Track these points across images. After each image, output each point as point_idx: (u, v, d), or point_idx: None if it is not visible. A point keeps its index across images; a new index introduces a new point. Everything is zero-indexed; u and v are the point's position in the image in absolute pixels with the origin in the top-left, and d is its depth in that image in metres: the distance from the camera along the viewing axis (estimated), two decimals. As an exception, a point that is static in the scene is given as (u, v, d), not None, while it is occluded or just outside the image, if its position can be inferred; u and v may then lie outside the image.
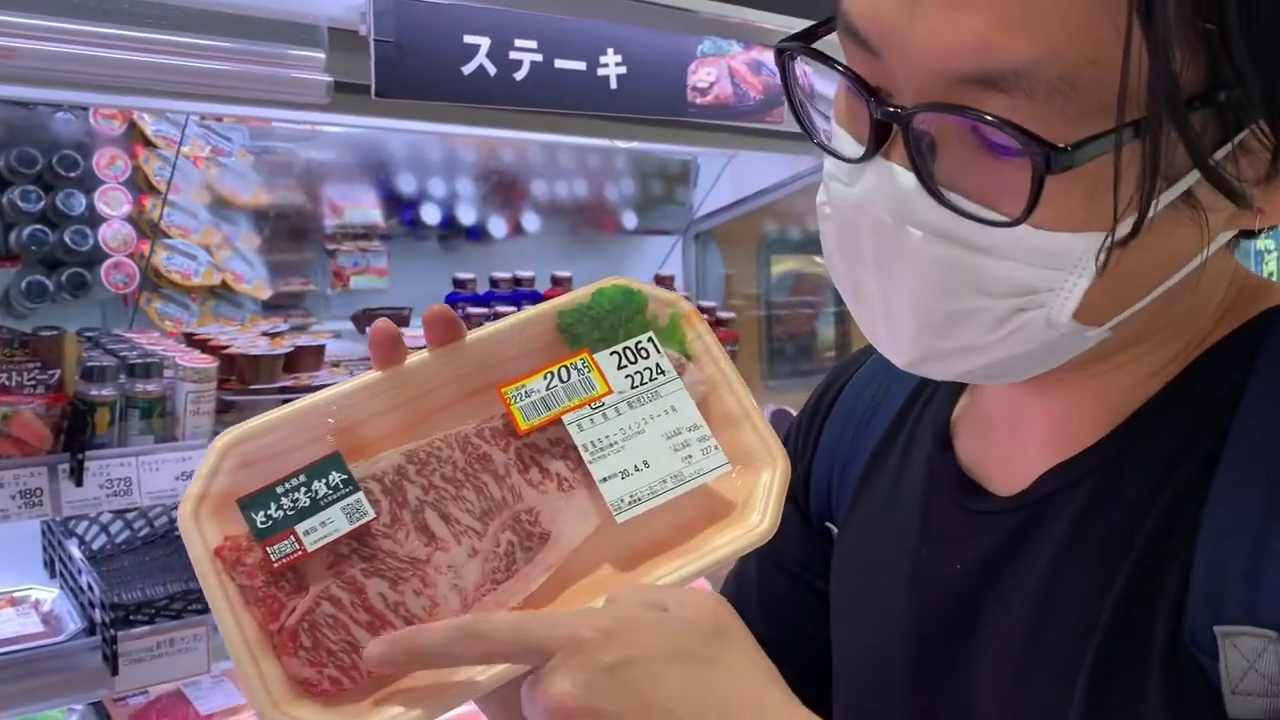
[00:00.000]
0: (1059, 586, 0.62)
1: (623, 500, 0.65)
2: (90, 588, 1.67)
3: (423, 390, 0.67)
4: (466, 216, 2.54)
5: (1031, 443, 0.66)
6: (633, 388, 0.68)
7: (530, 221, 2.65)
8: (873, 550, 0.76)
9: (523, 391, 0.67)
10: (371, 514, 0.62)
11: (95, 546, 1.89)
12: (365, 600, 0.62)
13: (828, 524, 0.84)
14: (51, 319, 1.95)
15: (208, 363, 1.70)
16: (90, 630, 1.66)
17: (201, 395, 1.67)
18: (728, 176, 2.81)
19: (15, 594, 1.87)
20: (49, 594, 1.86)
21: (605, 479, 0.65)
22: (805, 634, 0.84)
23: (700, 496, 0.69)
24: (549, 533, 0.66)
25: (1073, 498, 0.63)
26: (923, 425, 0.76)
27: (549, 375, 0.67)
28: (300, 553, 0.60)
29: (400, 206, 2.44)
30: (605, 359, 0.69)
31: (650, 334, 0.70)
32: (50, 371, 1.55)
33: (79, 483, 1.53)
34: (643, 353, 0.69)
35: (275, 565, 0.60)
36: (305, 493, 0.62)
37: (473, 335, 0.68)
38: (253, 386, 1.85)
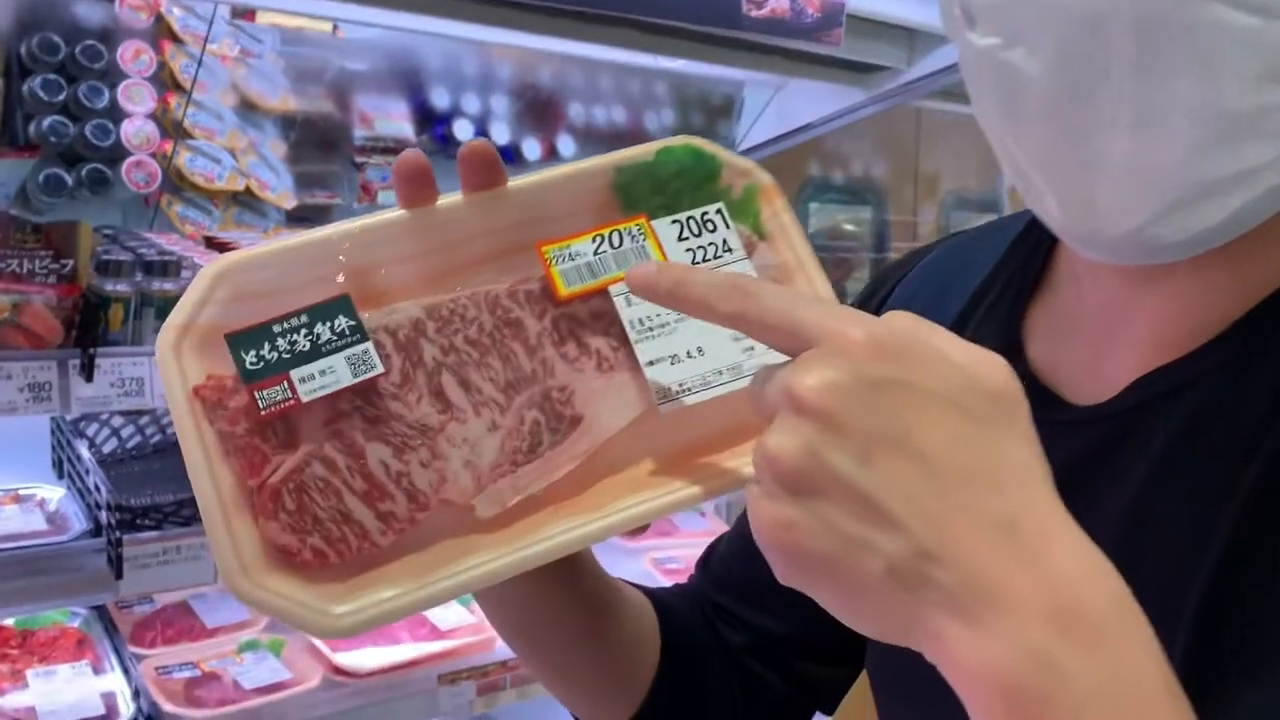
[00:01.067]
0: (1156, 508, 0.53)
1: (669, 389, 0.56)
2: (97, 489, 1.62)
3: (452, 239, 0.58)
4: (500, 135, 2.41)
5: (1128, 343, 0.58)
6: (693, 263, 0.59)
7: (565, 145, 2.52)
8: None
9: (566, 253, 0.58)
10: (380, 368, 0.53)
11: (105, 450, 1.84)
12: (364, 466, 0.53)
13: None
14: (70, 216, 1.87)
15: None
16: (96, 532, 1.61)
17: None
18: (773, 113, 2.69)
19: (21, 491, 1.83)
20: (55, 493, 1.81)
21: (651, 363, 0.56)
22: None
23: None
24: (581, 416, 0.57)
25: (1177, 404, 0.54)
26: (987, 329, 0.67)
27: (598, 238, 0.58)
28: (293, 402, 0.52)
29: (432, 121, 2.31)
30: (665, 227, 0.59)
31: (720, 205, 0.60)
32: (63, 261, 1.48)
33: (89, 379, 1.46)
34: (709, 225, 0.60)
35: (262, 413, 0.51)
36: (306, 335, 0.53)
37: (515, 183, 0.59)
38: None
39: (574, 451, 0.56)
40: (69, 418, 1.83)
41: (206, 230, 2.01)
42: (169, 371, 0.52)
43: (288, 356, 0.52)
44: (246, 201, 2.11)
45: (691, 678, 0.80)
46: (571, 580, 0.70)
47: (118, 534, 1.52)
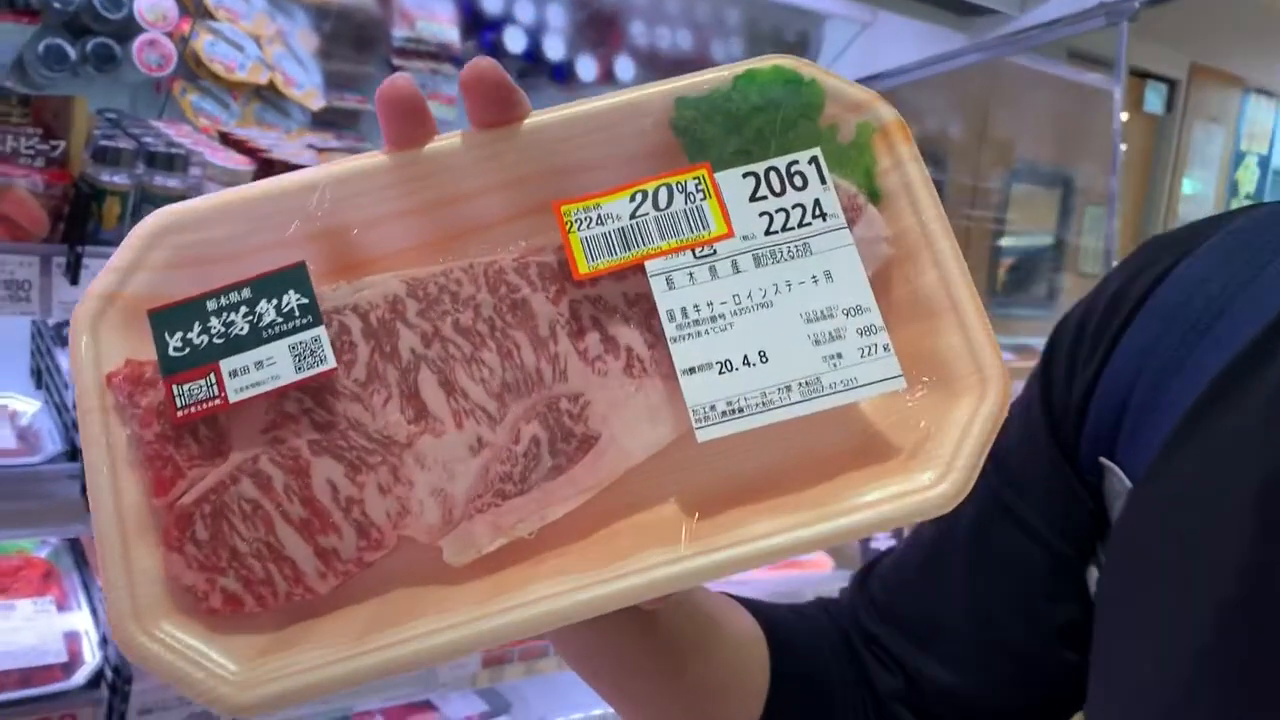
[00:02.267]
0: None
1: (711, 408, 0.40)
2: (76, 406, 1.49)
3: (454, 192, 0.44)
4: (554, 50, 2.18)
5: None
6: (768, 232, 0.43)
7: (624, 68, 2.26)
8: (1212, 508, 0.51)
9: (594, 214, 0.43)
10: (330, 362, 0.41)
11: None
12: (306, 487, 0.41)
13: (1103, 460, 0.58)
14: (70, 95, 1.64)
15: (243, 164, 1.44)
16: (72, 455, 1.40)
17: None
18: (855, 54, 2.36)
19: None
20: (30, 406, 1.60)
21: (691, 370, 0.41)
22: (1027, 616, 0.62)
23: (843, 422, 0.43)
24: (596, 435, 0.43)
25: None
26: None
27: (638, 196, 0.43)
28: (218, 401, 0.41)
29: (481, 27, 2.08)
30: (733, 181, 0.43)
31: (816, 151, 0.44)
32: (54, 142, 1.29)
33: (75, 281, 1.28)
34: (796, 179, 0.43)
35: (179, 414, 0.40)
36: (245, 315, 0.42)
37: (539, 118, 0.44)
38: None
39: (582, 483, 0.42)
40: (51, 322, 1.64)
41: (223, 125, 1.80)
42: (80, 351, 0.41)
43: (219, 342, 0.41)
44: (269, 97, 1.90)
45: None
46: (646, 618, 0.57)
47: None
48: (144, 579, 0.40)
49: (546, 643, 1.65)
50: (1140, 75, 3.67)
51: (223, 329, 0.41)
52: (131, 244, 0.43)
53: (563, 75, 2.25)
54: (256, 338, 0.41)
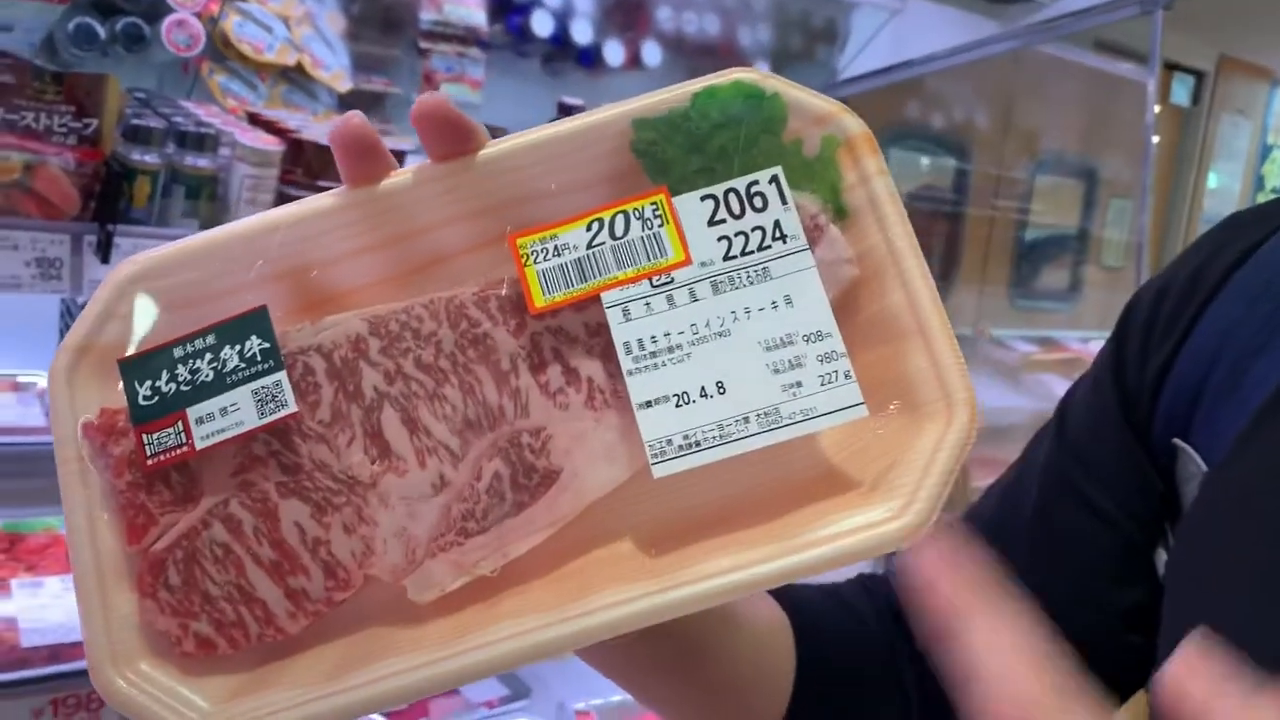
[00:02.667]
0: None
1: (668, 443, 0.40)
2: None
3: (414, 226, 0.44)
4: (581, 34, 2.15)
5: None
6: (726, 258, 0.41)
7: (651, 54, 2.23)
8: None
9: (549, 245, 0.42)
10: (291, 406, 0.42)
11: None
12: (275, 529, 0.42)
13: (1176, 442, 0.57)
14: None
15: (272, 144, 1.44)
16: None
17: (260, 182, 1.41)
18: (883, 41, 2.27)
19: (20, 378, 1.61)
20: None
21: (648, 404, 0.40)
22: (1093, 598, 0.61)
23: (805, 451, 0.42)
24: (559, 470, 0.42)
25: None
26: None
27: (594, 224, 0.42)
28: (186, 448, 0.41)
29: (508, 10, 2.07)
30: (691, 205, 0.42)
31: (777, 170, 0.42)
32: (86, 120, 1.27)
33: (105, 259, 1.26)
34: (756, 200, 0.42)
35: (149, 462, 0.41)
36: (210, 362, 0.42)
37: (495, 149, 0.44)
38: (320, 183, 1.51)
39: (544, 519, 0.42)
40: (80, 301, 1.57)
41: (250, 106, 1.80)
42: (58, 401, 0.43)
43: (186, 389, 0.42)
44: (296, 79, 1.89)
45: (835, 717, 0.65)
46: None
47: None
48: (120, 624, 0.41)
49: None
50: (1168, 67, 3.53)
51: (189, 376, 0.42)
52: (104, 293, 0.44)
53: (590, 59, 2.24)
54: (221, 384, 0.42)
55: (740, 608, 0.62)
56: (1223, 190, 3.91)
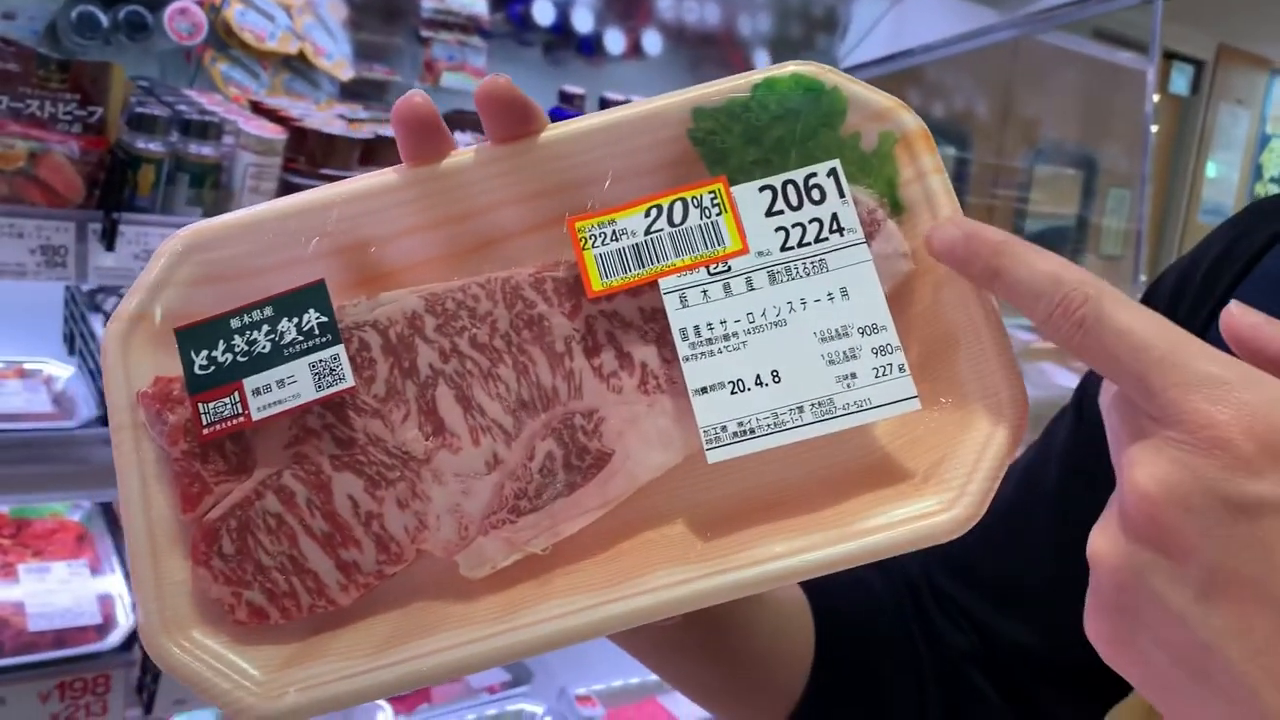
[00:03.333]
0: None
1: (723, 429, 0.40)
2: None
3: (472, 206, 0.44)
4: (582, 23, 2.16)
5: None
6: (784, 248, 0.42)
7: (651, 42, 2.23)
8: None
9: (608, 230, 0.43)
10: (349, 380, 0.42)
11: None
12: (328, 501, 0.42)
13: None
14: (102, 62, 1.66)
15: (276, 133, 1.44)
16: (105, 420, 1.40)
17: (263, 170, 1.42)
18: (885, 30, 2.29)
19: (26, 365, 1.61)
20: (64, 371, 1.60)
21: (704, 389, 0.41)
22: None
23: (857, 442, 0.43)
24: (610, 452, 0.43)
25: None
26: None
27: (652, 211, 0.43)
28: (242, 418, 0.42)
29: (509, 0, 2.08)
30: (749, 196, 0.43)
31: (835, 163, 0.43)
32: (91, 109, 1.27)
33: (110, 247, 1.25)
34: (814, 192, 0.43)
35: (205, 431, 0.42)
36: (268, 333, 0.43)
37: (555, 132, 0.44)
38: (323, 171, 1.52)
39: (596, 500, 0.42)
40: (85, 288, 1.65)
41: (252, 94, 1.79)
42: (112, 369, 0.43)
43: (243, 360, 0.42)
44: (298, 67, 1.88)
45: (854, 691, 0.66)
46: None
47: None
48: (173, 591, 0.41)
49: None
50: (1166, 56, 3.55)
51: (246, 347, 0.42)
52: (159, 262, 0.44)
53: (590, 48, 2.24)
54: (278, 356, 0.42)
55: None
56: (1221, 180, 3.93)
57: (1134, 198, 2.15)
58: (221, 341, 0.42)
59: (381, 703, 1.73)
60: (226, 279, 0.44)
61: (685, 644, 0.61)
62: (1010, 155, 3.13)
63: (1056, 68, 3.04)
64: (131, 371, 0.43)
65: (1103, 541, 0.35)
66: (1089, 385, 0.68)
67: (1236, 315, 0.36)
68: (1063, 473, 0.64)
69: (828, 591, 0.67)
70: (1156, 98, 2.11)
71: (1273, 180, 4.11)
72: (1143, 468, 0.33)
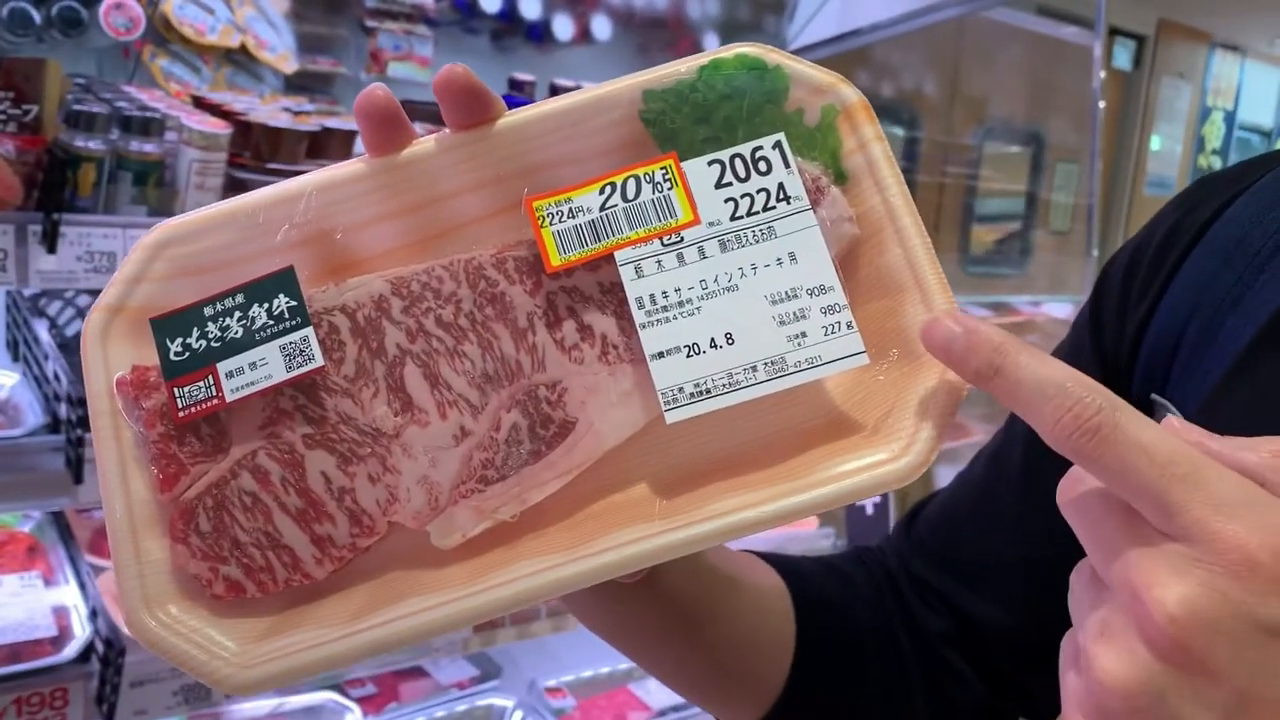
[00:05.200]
0: None
1: (680, 390, 0.42)
2: (57, 377, 1.38)
3: (434, 193, 0.46)
4: (530, 10, 2.16)
5: None
6: (733, 218, 0.44)
7: (600, 27, 2.25)
8: None
9: (564, 208, 0.45)
10: (319, 360, 0.43)
11: (68, 333, 1.58)
12: (301, 479, 0.44)
13: (1155, 397, 0.59)
14: (36, 61, 1.60)
15: (219, 128, 1.42)
16: (53, 427, 1.35)
17: (208, 166, 1.40)
18: (833, 10, 2.33)
19: None
20: (8, 379, 1.56)
21: (660, 354, 0.43)
22: (1081, 556, 0.61)
23: (811, 399, 0.44)
24: (574, 421, 0.44)
25: None
26: None
27: (607, 188, 0.45)
28: (216, 400, 0.43)
29: None
30: (699, 170, 0.45)
31: (779, 137, 0.45)
32: (26, 107, 1.24)
33: (52, 249, 1.22)
34: (761, 164, 0.45)
35: (180, 414, 0.43)
36: (240, 319, 0.44)
37: (512, 118, 0.46)
38: (269, 165, 1.50)
39: (560, 466, 0.44)
40: (27, 293, 1.63)
41: (194, 90, 1.73)
42: (92, 360, 0.44)
43: (216, 345, 0.44)
44: (241, 61, 1.85)
45: (836, 678, 0.67)
46: (654, 583, 0.59)
47: (78, 431, 1.28)
48: (153, 569, 0.43)
49: (538, 606, 1.67)
50: (1109, 31, 3.62)
51: (219, 333, 0.44)
52: (135, 256, 0.45)
53: (539, 35, 2.23)
54: (250, 340, 0.44)
55: (741, 572, 0.65)
56: (1165, 152, 4.01)
57: (1082, 172, 2.19)
58: (195, 329, 0.44)
59: (349, 704, 1.74)
60: (201, 271, 0.45)
61: (668, 633, 0.62)
62: (959, 133, 3.18)
63: (1003, 45, 3.08)
64: (110, 361, 0.44)
65: (1114, 660, 0.34)
66: None
67: (1180, 432, 0.36)
68: (1028, 455, 0.66)
69: (808, 582, 0.68)
70: (1102, 74, 2.15)
71: (1214, 152, 4.18)
72: (1166, 589, 0.33)
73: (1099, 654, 0.34)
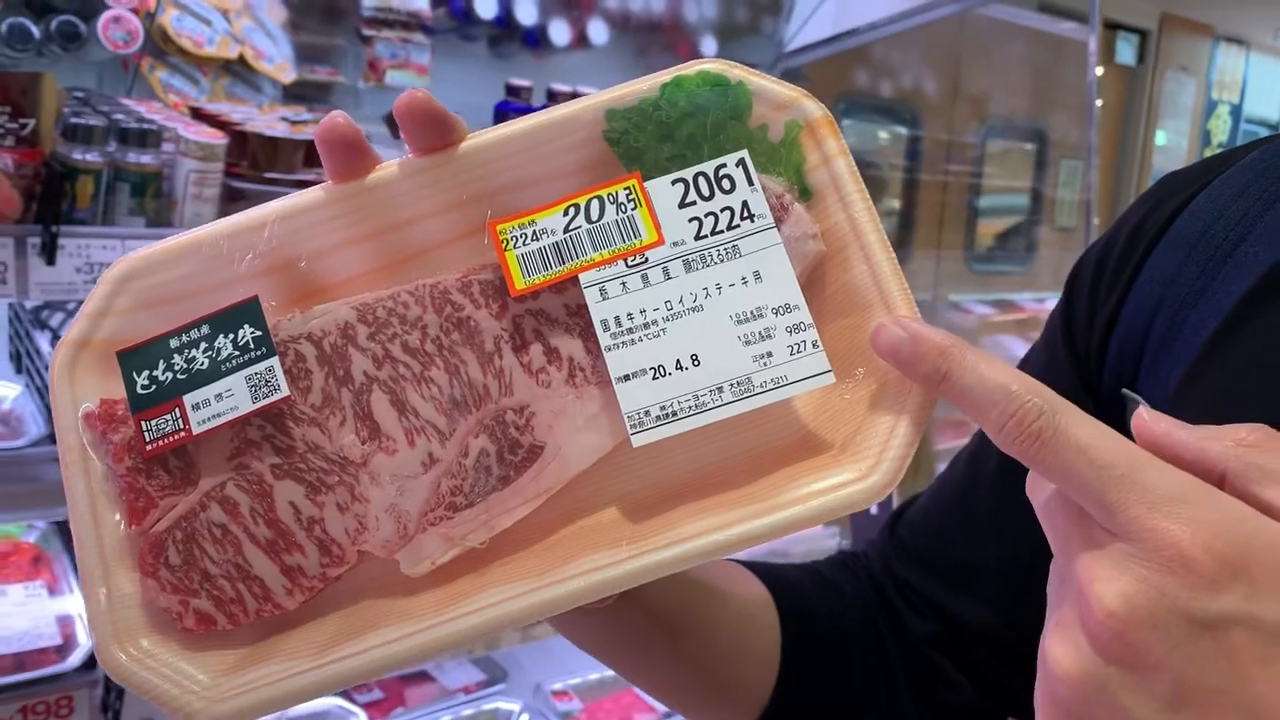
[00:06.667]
0: None
1: (646, 413, 0.42)
2: None
3: (399, 218, 0.46)
4: (526, 15, 2.14)
5: None
6: (698, 237, 0.44)
7: (597, 32, 2.24)
8: None
9: (528, 231, 0.44)
10: (284, 390, 0.43)
11: None
12: (270, 509, 0.44)
13: (1125, 392, 0.59)
14: (35, 75, 1.61)
15: (216, 138, 1.43)
16: (55, 438, 1.42)
17: (205, 176, 1.40)
18: (829, 10, 2.32)
19: None
20: (11, 390, 1.57)
21: (626, 377, 0.42)
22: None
23: (779, 419, 0.44)
24: (542, 445, 0.44)
25: None
26: None
27: (571, 209, 0.44)
28: (183, 433, 0.43)
29: None
30: (663, 189, 0.44)
31: (743, 154, 0.45)
32: (23, 120, 1.25)
33: (51, 261, 1.24)
34: (724, 182, 0.44)
35: (148, 447, 0.43)
36: (205, 350, 0.44)
37: (475, 141, 0.46)
38: (267, 175, 1.51)
39: (530, 492, 0.44)
40: (28, 305, 1.64)
41: (193, 101, 1.74)
42: (60, 394, 0.44)
43: (183, 378, 0.44)
44: (239, 72, 1.86)
45: (823, 686, 0.67)
46: (625, 593, 0.59)
47: None
48: (123, 603, 0.42)
49: None
50: (1111, 26, 3.60)
51: (185, 365, 0.44)
52: (100, 290, 0.45)
53: (535, 40, 2.23)
54: (216, 371, 0.43)
55: (724, 583, 0.64)
56: (1171, 147, 3.99)
57: (1085, 169, 2.18)
58: (162, 361, 0.44)
59: (355, 709, 1.74)
60: (167, 302, 0.45)
61: (649, 645, 0.62)
62: (961, 131, 3.17)
63: (1003, 42, 3.08)
64: (78, 396, 0.44)
65: (1062, 652, 0.35)
66: (1025, 366, 0.70)
67: (1149, 423, 0.37)
68: (1002, 457, 0.66)
69: (793, 591, 0.68)
70: (1100, 69, 2.14)
71: (1220, 146, 4.17)
72: (1107, 584, 0.34)
73: (1051, 646, 0.36)
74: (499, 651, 1.82)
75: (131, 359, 0.44)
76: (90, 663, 1.37)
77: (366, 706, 1.77)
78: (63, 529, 1.62)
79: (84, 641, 1.40)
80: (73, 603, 1.49)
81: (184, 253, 0.45)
